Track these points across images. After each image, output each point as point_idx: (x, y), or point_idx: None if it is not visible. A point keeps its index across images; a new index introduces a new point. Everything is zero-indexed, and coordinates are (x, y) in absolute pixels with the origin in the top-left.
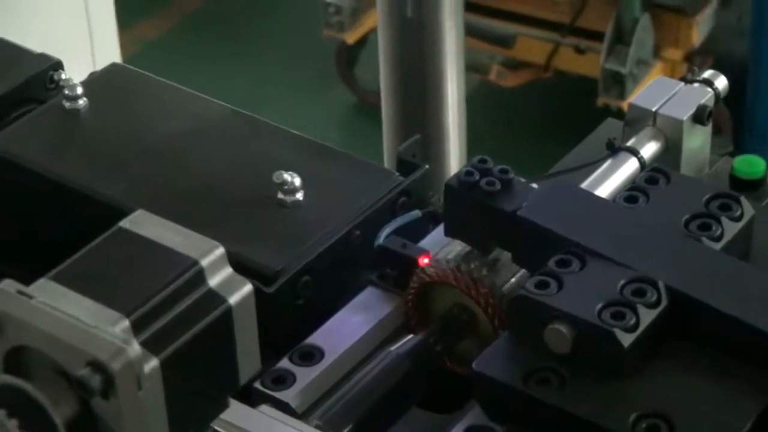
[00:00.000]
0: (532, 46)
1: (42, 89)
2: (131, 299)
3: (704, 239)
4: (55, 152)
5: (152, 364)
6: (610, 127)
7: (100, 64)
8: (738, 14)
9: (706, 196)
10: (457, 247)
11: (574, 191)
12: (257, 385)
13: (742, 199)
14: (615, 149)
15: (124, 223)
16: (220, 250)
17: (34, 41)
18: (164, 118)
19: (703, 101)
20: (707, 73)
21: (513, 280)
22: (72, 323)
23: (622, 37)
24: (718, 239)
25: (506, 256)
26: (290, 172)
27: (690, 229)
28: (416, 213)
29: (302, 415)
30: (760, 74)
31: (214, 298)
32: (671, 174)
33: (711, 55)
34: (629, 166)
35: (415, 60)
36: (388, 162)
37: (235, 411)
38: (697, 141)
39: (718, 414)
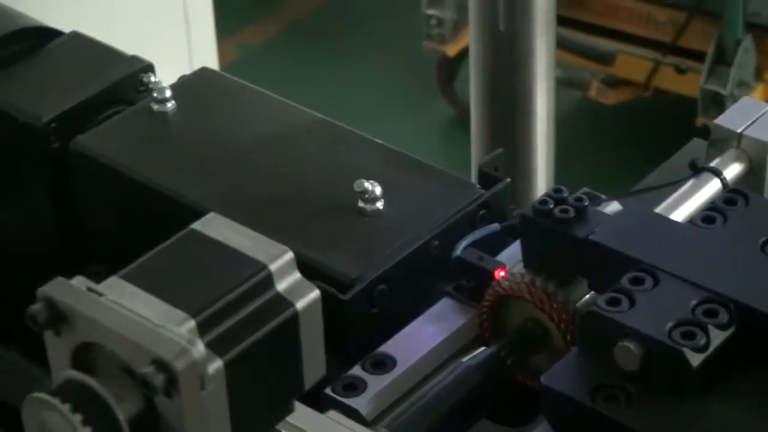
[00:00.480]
0: (633, 64)
1: (132, 91)
2: (198, 300)
3: None
4: (140, 153)
5: (216, 365)
6: (696, 147)
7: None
8: None
9: None
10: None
11: (647, 214)
12: (328, 391)
13: None
14: (697, 170)
15: (196, 225)
16: (289, 255)
17: (133, 46)
18: (250, 124)
19: None
20: None
21: (587, 297)
22: (139, 322)
23: (723, 58)
24: None
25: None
26: (371, 181)
27: (766, 252)
28: (495, 226)
29: (371, 423)
30: None
31: (282, 302)
32: (750, 196)
33: None
34: (711, 187)
35: (505, 73)
36: (475, 175)
37: (302, 415)
38: None
39: None
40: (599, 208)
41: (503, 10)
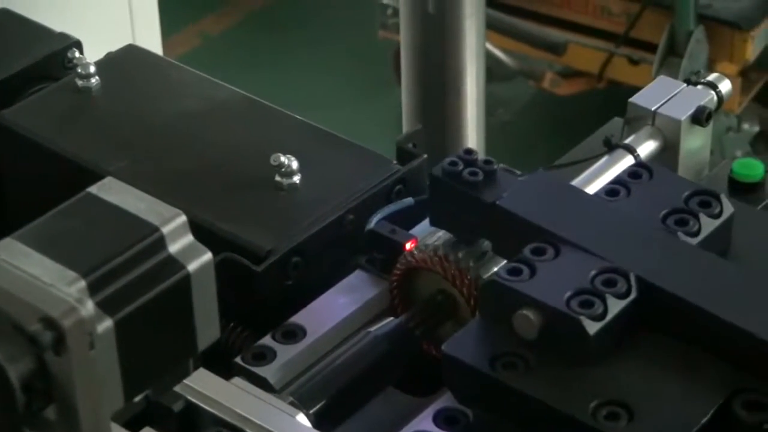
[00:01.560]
0: (586, 55)
1: (60, 68)
2: (90, 261)
3: (681, 234)
4: (63, 128)
5: (106, 324)
6: (617, 125)
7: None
8: None
9: (686, 193)
10: (445, 234)
11: (554, 183)
12: (238, 360)
13: (722, 196)
14: (612, 146)
15: (92, 189)
16: (182, 218)
17: (77, 30)
18: (173, 100)
19: (703, 102)
20: (712, 76)
21: (495, 268)
22: (29, 281)
23: (675, 50)
24: (695, 235)
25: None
26: (288, 155)
27: (667, 224)
28: (409, 200)
29: (279, 391)
30: None
31: (173, 264)
32: (655, 169)
33: (766, 71)
34: (624, 164)
35: (435, 55)
36: None
37: (206, 381)
38: (696, 142)
39: (679, 404)
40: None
41: None
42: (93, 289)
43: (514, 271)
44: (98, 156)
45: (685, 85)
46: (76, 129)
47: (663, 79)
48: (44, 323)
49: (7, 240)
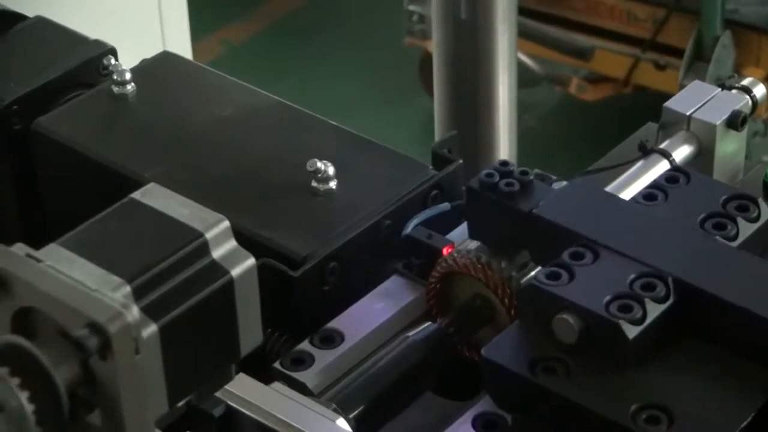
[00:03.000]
0: (612, 61)
1: (95, 74)
2: (134, 266)
3: (719, 238)
4: (100, 134)
5: (151, 329)
6: (650, 130)
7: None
8: None
9: (724, 197)
10: None
11: (591, 190)
12: (277, 365)
13: (760, 201)
14: (647, 151)
15: (136, 195)
16: (225, 223)
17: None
18: (209, 106)
19: (738, 107)
20: (746, 81)
21: (532, 273)
22: (75, 286)
23: (702, 55)
24: (733, 239)
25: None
26: (324, 161)
27: (705, 228)
28: (445, 206)
29: (317, 396)
30: None
31: (217, 269)
32: (692, 174)
33: None
34: (659, 168)
35: (467, 62)
36: None
37: (247, 385)
38: (731, 146)
39: (719, 408)
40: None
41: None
42: (138, 295)
43: (552, 276)
44: (135, 162)
45: (719, 89)
46: (113, 136)
47: (697, 84)
48: (90, 328)
49: (52, 246)
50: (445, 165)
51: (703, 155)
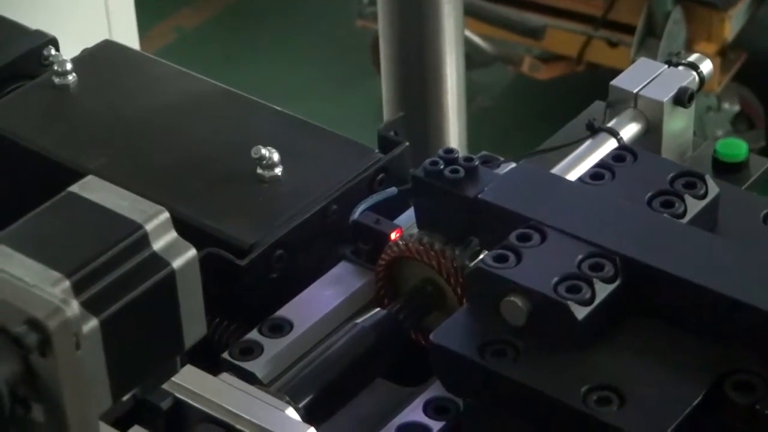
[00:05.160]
0: (565, 39)
1: (36, 66)
2: (73, 261)
3: (666, 216)
4: (41, 126)
5: (91, 324)
6: (598, 108)
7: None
8: None
9: (671, 174)
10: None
11: (536, 172)
12: (225, 355)
13: (707, 177)
14: (594, 130)
15: (74, 188)
16: (165, 215)
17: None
18: (151, 95)
19: (684, 84)
20: (693, 57)
21: (481, 256)
22: (12, 282)
23: (653, 31)
24: (681, 216)
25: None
26: (269, 148)
27: (653, 206)
28: (392, 190)
29: (268, 386)
30: None
31: (158, 261)
32: (639, 152)
33: (745, 50)
34: (607, 147)
35: (414, 42)
36: None
37: (194, 377)
38: (679, 123)
39: (670, 387)
40: (499, 170)
41: None
42: (77, 289)
43: (500, 258)
44: (78, 153)
45: (666, 66)
46: (55, 127)
47: (644, 61)
48: (29, 325)
49: None
50: (391, 148)
51: (652, 133)
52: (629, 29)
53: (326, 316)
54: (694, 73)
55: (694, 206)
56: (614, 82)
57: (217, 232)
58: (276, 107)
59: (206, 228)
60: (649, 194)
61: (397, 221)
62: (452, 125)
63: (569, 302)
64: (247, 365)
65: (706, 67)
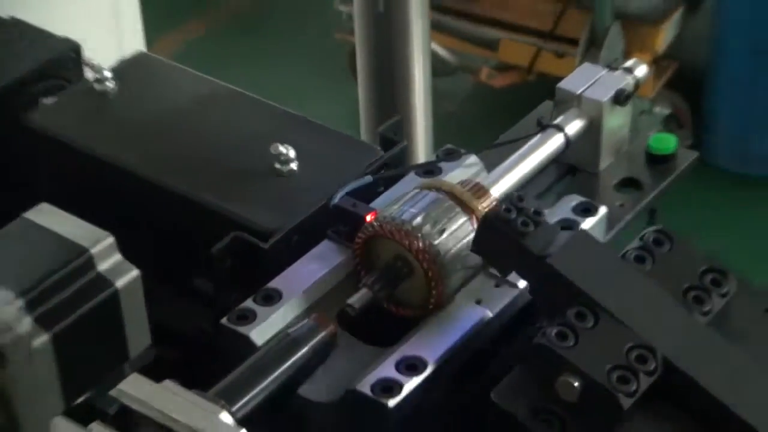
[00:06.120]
0: (517, 51)
1: (64, 68)
2: (26, 282)
3: (701, 318)
4: (85, 127)
5: (42, 339)
6: (547, 107)
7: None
8: (701, 24)
9: (702, 268)
10: (400, 206)
11: (594, 245)
12: (224, 321)
13: (730, 274)
14: (543, 126)
15: (28, 214)
16: (110, 239)
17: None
18: (180, 99)
19: (622, 85)
20: (629, 62)
21: (445, 234)
22: None
23: (595, 43)
24: (708, 314)
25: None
26: (285, 145)
27: (687, 298)
28: (368, 178)
29: (259, 346)
30: (719, 79)
31: (103, 281)
32: (675, 238)
33: (675, 59)
34: (555, 141)
35: (386, 52)
36: (364, 137)
37: (139, 384)
38: (617, 121)
39: None
40: (457, 163)
41: None
42: (30, 307)
43: (561, 336)
44: (118, 151)
45: (606, 70)
46: (97, 128)
47: (587, 66)
48: None
49: None
50: (390, 146)
51: (593, 129)
52: (574, 42)
53: (310, 287)
54: (631, 76)
55: (717, 304)
56: (560, 84)
57: (243, 219)
58: (288, 109)
59: (233, 215)
60: (685, 286)
61: (373, 204)
62: (420, 125)
63: (619, 394)
64: (242, 329)
65: (641, 71)
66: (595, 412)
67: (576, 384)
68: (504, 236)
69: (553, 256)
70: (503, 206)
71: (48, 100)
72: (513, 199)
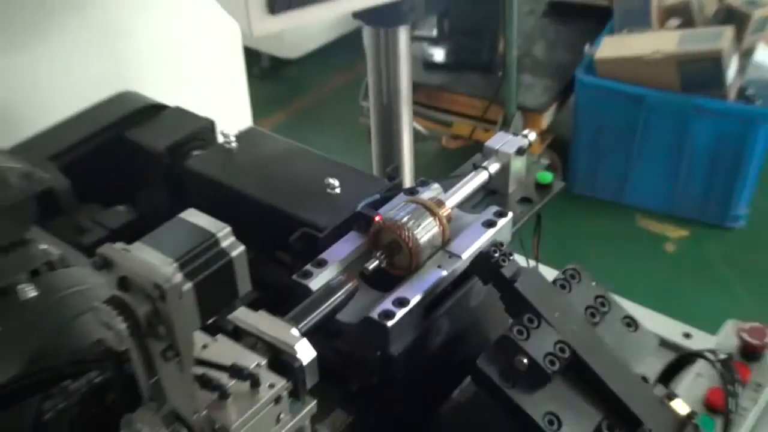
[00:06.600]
0: (463, 128)
1: (206, 135)
2: (178, 252)
3: (593, 327)
4: (219, 169)
5: (188, 285)
6: (478, 157)
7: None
8: (566, 113)
9: (595, 294)
10: (400, 211)
11: (540, 277)
12: (294, 277)
13: (611, 298)
14: (476, 167)
15: (181, 215)
16: (228, 229)
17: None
18: (274, 153)
19: (521, 145)
20: (525, 131)
21: (419, 228)
22: (148, 264)
23: (506, 123)
24: (597, 324)
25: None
26: (333, 178)
27: (587, 313)
28: (377, 197)
29: (316, 291)
30: (578, 146)
31: (223, 253)
32: (582, 273)
33: (552, 133)
34: (482, 176)
35: (387, 124)
36: (376, 174)
37: (243, 312)
38: (519, 164)
39: (580, 419)
40: (427, 188)
41: (385, 94)
42: (181, 267)
43: (519, 332)
44: (239, 182)
45: (512, 136)
46: (225, 169)
47: (501, 134)
48: (155, 287)
49: (137, 243)
50: (392, 180)
51: (504, 169)
52: (494, 122)
53: (344, 258)
54: (526, 140)
55: (601, 317)
56: (486, 143)
57: (308, 221)
58: (338, 161)
59: (303, 218)
60: (586, 305)
61: (380, 210)
62: (407, 168)
63: (550, 371)
64: (304, 282)
65: (532, 137)
66: (534, 378)
67: (525, 361)
68: (490, 266)
69: (518, 281)
70: (491, 249)
71: (197, 153)
72: (497, 245)
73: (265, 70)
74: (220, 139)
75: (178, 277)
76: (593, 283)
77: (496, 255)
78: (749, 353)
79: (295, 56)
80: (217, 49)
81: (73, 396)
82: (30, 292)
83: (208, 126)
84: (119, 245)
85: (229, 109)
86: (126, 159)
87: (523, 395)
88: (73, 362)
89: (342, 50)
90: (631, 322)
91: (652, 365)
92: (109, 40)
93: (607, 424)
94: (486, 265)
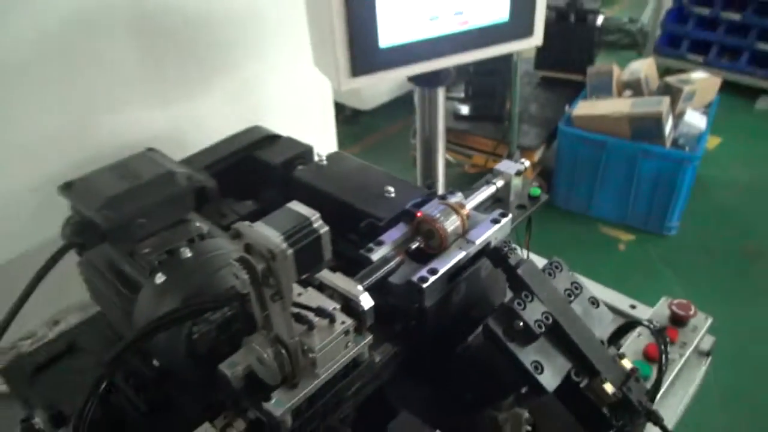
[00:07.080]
0: (479, 159)
1: (306, 156)
2: (284, 228)
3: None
4: (315, 178)
5: (290, 251)
6: (489, 177)
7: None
8: (551, 151)
9: (572, 281)
10: (434, 210)
11: (534, 266)
12: (361, 251)
13: (583, 285)
14: (487, 183)
15: (289, 205)
16: (318, 215)
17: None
18: (353, 169)
19: (519, 169)
20: (522, 160)
21: (447, 222)
22: (264, 236)
23: (509, 157)
24: (572, 301)
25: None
26: (390, 186)
27: (566, 293)
28: (417, 198)
29: (376, 261)
30: (559, 174)
31: (314, 231)
32: (562, 265)
33: (541, 164)
34: (491, 189)
35: (428, 152)
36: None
37: (326, 273)
38: (517, 182)
39: (556, 363)
40: (453, 195)
41: (427, 134)
42: (286, 240)
43: (518, 304)
44: (328, 187)
45: (513, 162)
46: (319, 177)
47: (505, 162)
48: (269, 252)
49: (258, 222)
50: (430, 188)
51: (507, 185)
52: (501, 156)
53: (395, 240)
54: (523, 166)
55: (575, 297)
56: (496, 166)
57: (372, 215)
58: (395, 176)
59: (368, 212)
60: (563, 287)
61: (422, 209)
62: (440, 183)
63: (538, 332)
64: (367, 254)
65: (527, 164)
66: (526, 336)
67: (521, 324)
68: (500, 256)
69: (520, 268)
70: (502, 243)
71: (300, 167)
72: (506, 240)
73: (347, 117)
74: (316, 158)
75: (284, 245)
76: (570, 273)
77: (505, 249)
78: (677, 321)
79: (368, 108)
80: (316, 99)
81: (212, 324)
82: (187, 253)
83: (309, 150)
84: (246, 223)
85: (323, 141)
86: (253, 170)
87: (518, 347)
88: (213, 301)
89: (400, 105)
90: (594, 301)
91: (607, 329)
92: (245, 92)
93: (575, 371)
94: (498, 255)
